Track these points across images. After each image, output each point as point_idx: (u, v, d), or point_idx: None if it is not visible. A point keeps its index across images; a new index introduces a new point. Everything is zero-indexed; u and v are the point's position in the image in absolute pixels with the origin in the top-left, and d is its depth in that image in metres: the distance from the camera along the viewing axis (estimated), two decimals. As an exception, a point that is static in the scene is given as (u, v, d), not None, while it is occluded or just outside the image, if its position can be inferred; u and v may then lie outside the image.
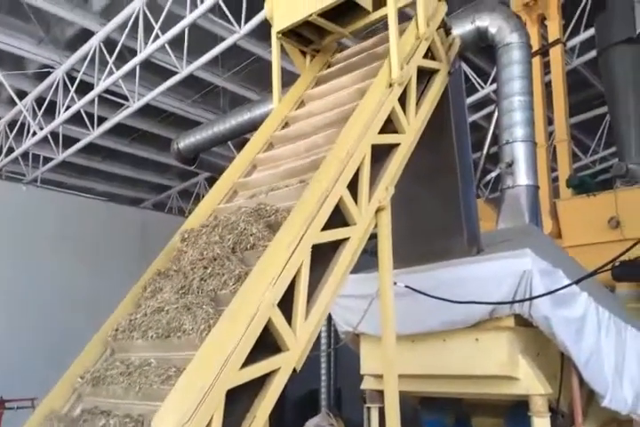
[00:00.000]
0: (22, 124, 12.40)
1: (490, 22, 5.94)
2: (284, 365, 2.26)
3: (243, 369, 2.08)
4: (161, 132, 13.78)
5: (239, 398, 2.11)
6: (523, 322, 3.61)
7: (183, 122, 13.21)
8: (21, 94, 11.69)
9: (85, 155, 14.32)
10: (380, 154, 3.16)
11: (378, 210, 2.97)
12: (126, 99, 11.15)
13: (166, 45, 9.59)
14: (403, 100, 3.34)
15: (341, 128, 2.98)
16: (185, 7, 9.08)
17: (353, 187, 2.86)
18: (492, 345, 3.67)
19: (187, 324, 2.44)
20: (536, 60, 10.60)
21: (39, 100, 11.77)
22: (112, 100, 11.58)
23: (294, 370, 2.35)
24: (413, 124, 3.34)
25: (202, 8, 8.70)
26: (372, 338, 4.21)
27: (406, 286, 3.60)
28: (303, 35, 3.94)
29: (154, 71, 11.15)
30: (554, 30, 10.57)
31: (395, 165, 3.14)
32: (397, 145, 3.22)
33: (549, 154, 10.41)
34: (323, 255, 2.66)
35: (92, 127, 11.96)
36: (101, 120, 11.74)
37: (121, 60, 10.34)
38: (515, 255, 3.49)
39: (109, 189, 16.34)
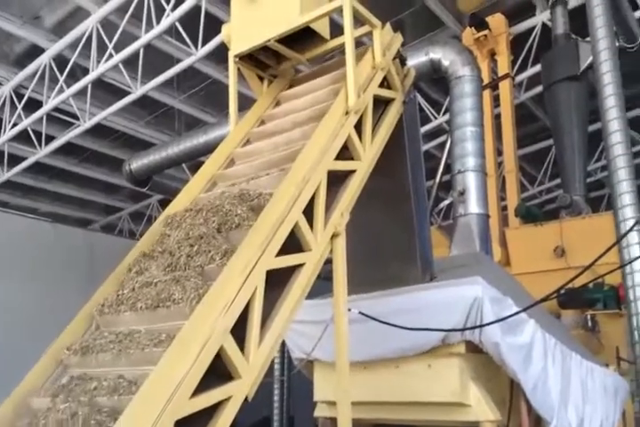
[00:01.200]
0: (-34, 141, 12.01)
1: (443, 55, 6.14)
2: (236, 393, 2.20)
3: (193, 398, 2.02)
4: (112, 152, 13.54)
5: None
6: (474, 348, 3.65)
7: (136, 143, 13.03)
8: (-33, 111, 11.34)
9: (32, 174, 13.92)
10: (336, 180, 3.18)
11: (333, 235, 2.96)
12: (77, 118, 10.95)
13: (120, 65, 9.50)
14: (359, 127, 3.39)
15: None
16: (140, 27, 9.06)
17: (308, 212, 2.87)
18: (443, 372, 3.68)
19: (176, 294, 2.48)
20: (486, 93, 10.99)
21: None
22: (62, 118, 11.36)
23: (246, 399, 2.29)
24: (369, 151, 3.38)
25: (158, 29, 8.68)
26: (325, 365, 4.18)
27: (360, 313, 3.59)
28: (260, 59, 3.97)
29: (106, 90, 11.01)
30: (503, 65, 11.00)
31: (350, 192, 3.15)
32: (353, 171, 3.24)
33: (499, 184, 10.72)
34: (278, 280, 2.63)
35: (40, 146, 11.65)
36: (50, 139, 11.47)
37: (72, 78, 10.18)
38: (466, 283, 3.54)
39: (56, 210, 15.87)
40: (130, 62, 9.75)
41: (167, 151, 10.95)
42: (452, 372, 3.65)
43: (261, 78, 4.12)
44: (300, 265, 2.70)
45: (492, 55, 11.11)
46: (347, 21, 3.42)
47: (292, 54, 3.87)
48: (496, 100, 11.26)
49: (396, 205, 3.97)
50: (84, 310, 2.72)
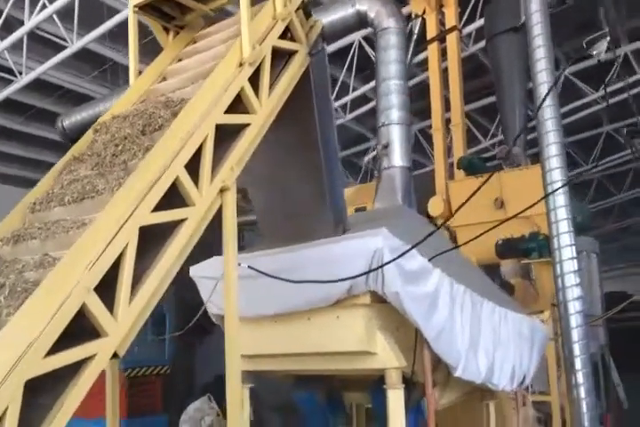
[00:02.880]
0: None
1: (369, 7, 6.00)
2: (101, 351, 2.21)
3: (48, 357, 2.02)
4: (58, 109, 13.07)
5: (47, 388, 2.05)
6: (379, 299, 3.72)
7: (83, 99, 12.57)
8: None
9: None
10: (230, 134, 3.14)
11: (222, 190, 2.95)
12: (13, 73, 10.54)
13: (55, 16, 9.11)
14: (257, 80, 3.32)
15: None
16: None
17: (196, 167, 2.85)
18: (351, 322, 3.77)
19: (100, 185, 2.71)
20: (434, 47, 10.89)
21: None
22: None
23: (116, 355, 2.32)
24: (266, 104, 3.32)
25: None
26: (243, 320, 4.21)
27: (249, 267, 3.63)
28: (164, 10, 3.83)
29: (45, 44, 10.54)
30: (450, 17, 10.84)
31: (243, 145, 3.12)
32: (248, 125, 3.20)
33: (446, 137, 10.74)
34: (160, 235, 2.63)
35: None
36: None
37: (7, 31, 9.73)
38: (368, 235, 3.58)
39: (3, 171, 15.43)
40: (67, 14, 9.34)
41: (100, 107, 10.55)
42: (359, 322, 3.74)
43: (167, 30, 3.99)
44: (183, 221, 2.69)
45: (440, 7, 10.92)
46: (241, -31, 3.30)
47: (195, 4, 3.75)
48: (445, 54, 11.15)
49: (305, 158, 3.95)
50: (15, 210, 2.86)
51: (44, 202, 2.89)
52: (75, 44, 9.60)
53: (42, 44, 10.41)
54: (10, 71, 10.55)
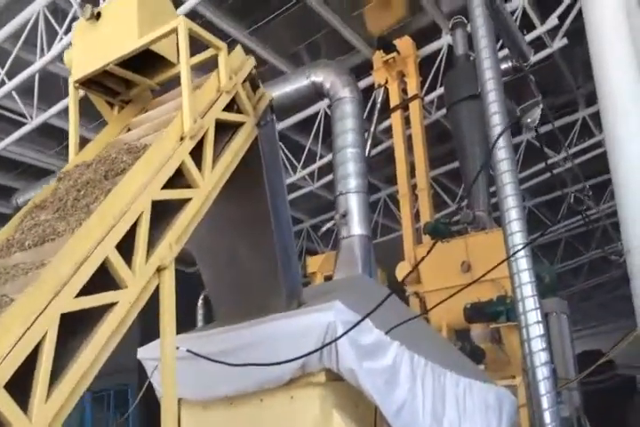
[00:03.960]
0: None
1: (324, 77, 6.13)
2: None
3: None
4: (20, 186, 12.80)
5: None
6: (335, 376, 3.54)
7: (46, 174, 12.38)
8: None
9: None
10: (172, 209, 3.04)
11: (160, 269, 2.80)
12: (-26, 148, 10.45)
13: (14, 93, 9.16)
14: (200, 153, 3.27)
15: None
16: (35, 52, 8.75)
17: (133, 245, 2.72)
18: (305, 402, 3.56)
19: (60, 228, 2.72)
20: (397, 115, 11.17)
21: None
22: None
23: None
24: (209, 178, 3.25)
25: (50, 54, 8.41)
26: (191, 403, 3.97)
27: (188, 351, 3.43)
28: (108, 85, 3.82)
29: (5, 120, 10.54)
30: (412, 86, 11.17)
31: (183, 222, 3.01)
32: (190, 200, 3.11)
33: (412, 203, 10.81)
34: (87, 324, 2.45)
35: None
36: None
37: (-32, 106, 9.74)
38: (320, 309, 3.45)
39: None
40: (27, 90, 9.39)
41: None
42: (314, 402, 3.54)
43: (112, 104, 3.96)
44: (114, 304, 2.53)
45: (402, 77, 11.29)
46: (182, 44, 3.32)
47: (139, 79, 3.74)
48: (409, 122, 11.41)
49: (257, 233, 3.85)
50: None
51: (4, 249, 2.88)
52: (34, 120, 9.60)
53: (2, 120, 10.41)
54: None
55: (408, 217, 10.48)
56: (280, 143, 12.33)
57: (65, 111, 9.63)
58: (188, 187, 3.15)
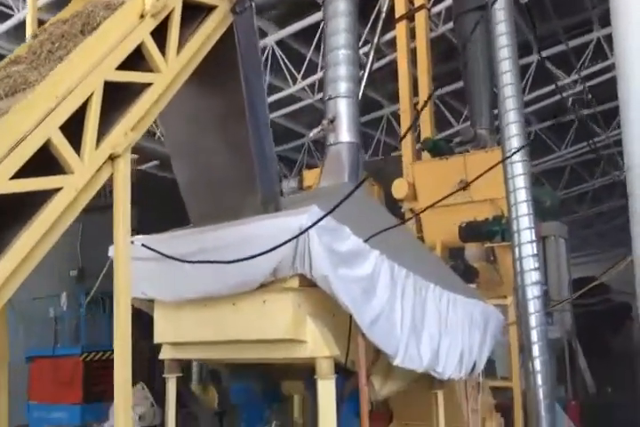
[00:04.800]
0: None
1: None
2: None
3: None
4: None
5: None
6: (309, 283, 3.40)
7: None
8: None
9: None
10: (131, 95, 2.77)
11: (113, 157, 2.57)
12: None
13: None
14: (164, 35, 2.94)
15: None
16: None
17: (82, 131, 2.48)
18: (278, 307, 3.45)
19: (32, 78, 2.62)
20: (402, 26, 10.52)
21: None
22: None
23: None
24: (173, 63, 2.94)
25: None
26: (165, 304, 3.89)
27: (143, 245, 3.27)
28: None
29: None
30: (419, -5, 10.48)
31: (141, 108, 2.74)
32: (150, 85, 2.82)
33: (413, 119, 10.42)
34: (30, 208, 2.27)
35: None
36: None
37: None
38: (295, 213, 3.24)
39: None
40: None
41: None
42: (286, 307, 3.42)
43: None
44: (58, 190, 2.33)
45: (409, -16, 10.55)
46: None
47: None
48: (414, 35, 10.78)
49: (232, 132, 3.58)
50: None
51: None
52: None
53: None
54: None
55: (408, 134, 10.14)
56: (280, 52, 11.83)
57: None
58: (150, 71, 2.85)
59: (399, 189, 9.05)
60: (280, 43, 11.66)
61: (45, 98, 2.38)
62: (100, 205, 13.47)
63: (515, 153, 5.22)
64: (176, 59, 2.96)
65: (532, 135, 16.95)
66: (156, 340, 3.97)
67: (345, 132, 4.81)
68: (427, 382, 4.70)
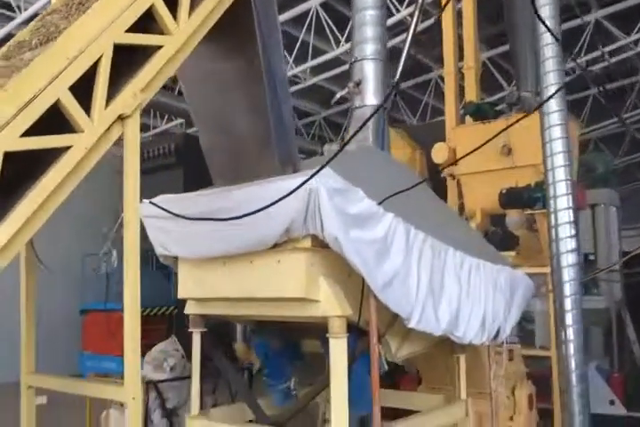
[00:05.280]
0: None
1: None
2: None
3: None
4: None
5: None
6: (322, 244, 3.45)
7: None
8: None
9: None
10: (141, 57, 2.84)
11: (123, 118, 2.67)
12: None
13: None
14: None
15: None
16: None
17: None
18: (291, 267, 3.52)
19: (62, 26, 2.74)
20: (446, -16, 10.15)
21: None
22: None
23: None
24: (184, 25, 2.98)
25: None
26: (187, 261, 4.04)
27: (151, 202, 3.37)
28: None
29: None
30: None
31: (151, 69, 2.81)
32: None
33: (457, 81, 10.18)
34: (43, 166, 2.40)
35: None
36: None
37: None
38: (306, 174, 3.27)
39: None
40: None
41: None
42: (299, 267, 3.49)
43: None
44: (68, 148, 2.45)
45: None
46: None
47: None
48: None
49: (247, 92, 3.62)
50: None
51: (16, 49, 2.93)
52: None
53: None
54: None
55: (452, 97, 9.92)
56: (324, 14, 11.66)
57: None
58: (161, 34, 2.91)
59: (439, 153, 8.91)
60: (324, 5, 11.49)
61: (56, 59, 2.48)
62: (149, 167, 13.98)
63: (538, 108, 5.07)
64: (188, 21, 3.00)
65: (590, 99, 16.25)
66: (180, 295, 4.14)
67: (371, 95, 4.77)
68: (449, 346, 4.75)
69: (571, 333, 5.96)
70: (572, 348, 5.96)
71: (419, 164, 10.39)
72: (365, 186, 3.61)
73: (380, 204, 3.53)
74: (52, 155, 2.44)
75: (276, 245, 3.52)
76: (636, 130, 17.89)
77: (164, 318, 12.29)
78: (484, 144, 4.47)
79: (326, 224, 3.26)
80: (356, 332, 3.67)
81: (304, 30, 11.86)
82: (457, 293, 4.17)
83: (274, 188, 3.18)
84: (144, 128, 16.23)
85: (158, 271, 11.28)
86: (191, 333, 4.29)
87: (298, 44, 12.09)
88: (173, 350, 5.09)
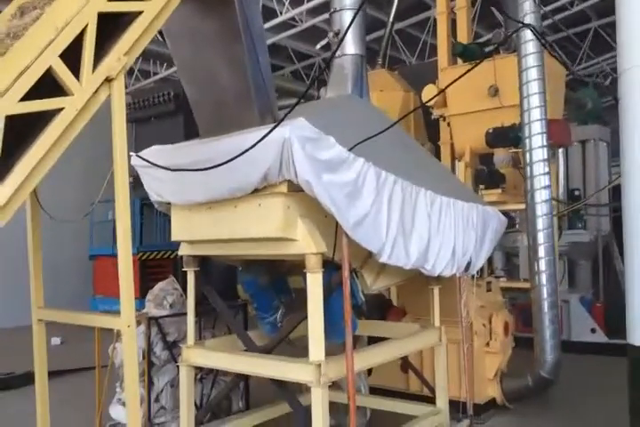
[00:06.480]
0: None
1: None
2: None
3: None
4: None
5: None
6: (298, 188, 3.81)
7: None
8: None
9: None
10: (124, 24, 3.11)
11: (109, 80, 2.98)
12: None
13: None
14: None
15: None
16: None
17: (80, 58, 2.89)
18: (271, 209, 3.90)
19: None
20: None
21: None
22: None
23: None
24: (162, -11, 3.22)
25: None
26: (179, 207, 4.43)
27: (137, 155, 3.72)
28: None
29: None
30: None
31: (132, 34, 3.08)
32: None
33: (449, 22, 10.17)
34: (39, 126, 2.74)
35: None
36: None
37: None
38: (280, 125, 3.58)
39: None
40: None
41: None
42: (277, 209, 3.87)
43: None
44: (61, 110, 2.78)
45: None
46: None
47: None
48: None
49: (227, 45, 3.88)
50: None
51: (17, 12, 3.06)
52: None
53: None
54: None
55: (444, 38, 9.96)
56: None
57: None
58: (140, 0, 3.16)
59: (429, 94, 9.09)
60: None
61: (46, 29, 2.77)
62: (150, 114, 14.17)
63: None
64: (166, -15, 3.23)
65: (590, 32, 16.02)
66: (173, 238, 4.56)
67: (350, 45, 4.98)
68: (424, 279, 5.18)
69: (543, 264, 6.43)
70: (544, 278, 6.45)
71: (413, 105, 10.55)
72: (340, 133, 3.93)
73: (350, 149, 3.86)
74: (44, 120, 2.75)
75: (256, 191, 3.90)
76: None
77: (171, 260, 12.91)
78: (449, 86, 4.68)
79: (299, 170, 3.61)
80: (334, 267, 4.09)
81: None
82: (427, 229, 4.56)
83: (251, 138, 3.49)
84: (145, 75, 16.29)
85: (166, 217, 11.76)
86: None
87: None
88: (172, 288, 5.58)
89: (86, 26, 2.88)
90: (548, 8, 12.83)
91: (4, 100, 2.55)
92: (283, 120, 3.51)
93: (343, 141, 3.88)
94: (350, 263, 3.98)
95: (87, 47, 2.88)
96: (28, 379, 6.44)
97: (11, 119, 2.56)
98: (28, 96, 2.65)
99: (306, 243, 3.90)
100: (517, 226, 10.02)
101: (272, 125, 3.50)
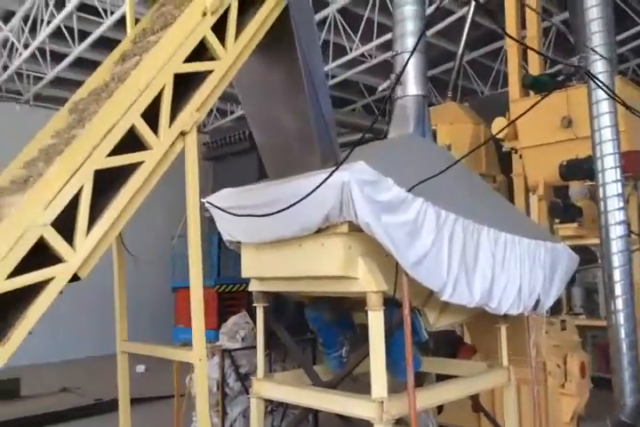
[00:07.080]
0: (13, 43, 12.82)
1: None
2: (59, 274, 2.74)
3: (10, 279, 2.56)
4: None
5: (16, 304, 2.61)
6: (359, 228, 3.96)
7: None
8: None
9: (80, 69, 14.50)
10: (198, 81, 3.44)
11: (183, 133, 3.29)
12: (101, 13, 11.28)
13: None
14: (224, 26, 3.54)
15: None
16: None
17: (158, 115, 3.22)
18: (333, 249, 4.07)
19: (176, 14, 3.58)
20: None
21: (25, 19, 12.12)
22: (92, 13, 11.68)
23: (78, 277, 2.85)
24: (231, 50, 3.54)
25: None
26: (248, 245, 4.70)
27: (207, 202, 3.98)
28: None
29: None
30: None
31: (204, 91, 3.40)
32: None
33: (520, 53, 10.17)
34: (121, 179, 3.07)
35: (74, 42, 12.23)
36: (85, 34, 12.00)
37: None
38: (340, 169, 3.77)
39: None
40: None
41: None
42: (339, 249, 4.03)
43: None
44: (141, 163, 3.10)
45: None
46: None
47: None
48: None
49: (291, 96, 4.15)
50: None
51: (140, 34, 3.86)
52: None
53: None
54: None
55: (515, 70, 9.96)
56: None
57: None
58: (212, 60, 3.48)
59: (499, 127, 9.07)
60: None
61: (130, 91, 3.12)
62: (227, 152, 14.90)
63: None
64: (234, 45, 3.56)
65: None
66: (243, 275, 4.82)
67: (412, 85, 5.15)
68: (491, 317, 5.14)
69: (620, 303, 6.20)
70: (621, 317, 6.21)
71: (483, 137, 10.53)
72: (400, 173, 4.08)
73: (409, 190, 3.99)
74: (129, 169, 3.08)
75: (320, 230, 4.10)
76: None
77: (246, 293, 13.31)
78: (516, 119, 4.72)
79: (358, 212, 3.78)
80: (396, 305, 4.18)
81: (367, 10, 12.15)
82: (491, 267, 4.57)
83: (314, 181, 3.71)
84: (222, 113, 17.16)
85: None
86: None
87: (363, 22, 12.36)
88: (244, 322, 5.85)
89: (164, 87, 3.21)
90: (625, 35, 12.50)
91: (95, 155, 2.89)
92: (342, 164, 3.70)
93: (403, 182, 4.02)
94: (411, 301, 4.07)
95: (164, 105, 3.22)
96: (114, 406, 6.83)
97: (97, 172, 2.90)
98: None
99: (366, 281, 4.03)
100: (600, 261, 9.65)
101: (330, 170, 3.71)
